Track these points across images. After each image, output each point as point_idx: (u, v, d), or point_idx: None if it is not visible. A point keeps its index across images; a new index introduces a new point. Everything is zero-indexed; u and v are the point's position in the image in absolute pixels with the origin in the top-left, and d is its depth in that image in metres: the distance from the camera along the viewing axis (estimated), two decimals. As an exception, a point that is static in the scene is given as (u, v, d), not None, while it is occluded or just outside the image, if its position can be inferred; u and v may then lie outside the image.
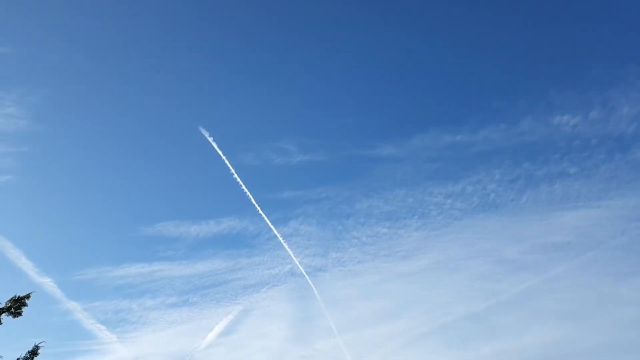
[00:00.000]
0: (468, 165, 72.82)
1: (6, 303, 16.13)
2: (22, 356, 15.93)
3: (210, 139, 57.67)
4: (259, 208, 60.30)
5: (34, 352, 16.07)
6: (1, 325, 15.87)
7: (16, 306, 16.15)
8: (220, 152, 57.73)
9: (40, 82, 74.88)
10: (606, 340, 57.04)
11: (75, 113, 78.53)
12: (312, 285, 59.49)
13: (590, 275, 63.43)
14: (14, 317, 16.11)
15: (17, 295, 16.34)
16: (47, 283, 52.69)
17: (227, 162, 58.42)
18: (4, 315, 15.96)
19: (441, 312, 63.05)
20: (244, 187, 57.74)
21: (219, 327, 58.37)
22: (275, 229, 63.63)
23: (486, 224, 68.13)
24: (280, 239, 62.29)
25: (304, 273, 60.72)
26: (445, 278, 66.06)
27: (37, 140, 73.33)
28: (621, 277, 61.24)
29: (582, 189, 67.07)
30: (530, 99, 77.22)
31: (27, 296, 16.44)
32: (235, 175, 57.87)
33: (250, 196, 58.65)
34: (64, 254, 73.20)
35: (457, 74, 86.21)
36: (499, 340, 59.75)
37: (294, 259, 61.81)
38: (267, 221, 62.85)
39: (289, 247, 62.22)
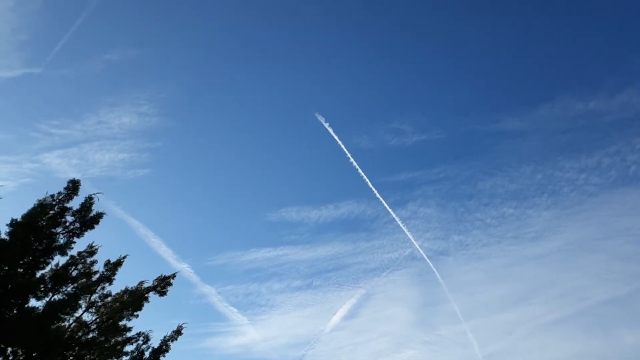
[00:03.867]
0: (604, 135, 63.09)
1: (153, 282, 16.31)
2: (168, 335, 16.15)
3: (326, 125, 55.19)
4: (375, 191, 57.61)
5: (178, 331, 16.23)
6: (148, 303, 16.11)
7: (162, 285, 16.28)
8: (336, 137, 55.36)
9: (168, 80, 79.06)
10: None
11: (201, 107, 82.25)
12: (434, 270, 56.35)
13: None
14: (160, 295, 16.29)
15: (163, 275, 16.47)
16: (185, 268, 56.80)
17: (342, 146, 56.14)
18: (151, 293, 16.17)
19: (576, 296, 57.18)
20: (360, 170, 55.12)
21: (342, 311, 57.72)
22: (393, 212, 60.90)
23: (626, 200, 59.68)
24: (399, 222, 59.40)
25: (425, 257, 57.74)
26: (580, 260, 59.88)
27: (169, 135, 77.37)
28: None
29: None
30: (679, 55, 62.92)
31: (173, 276, 16.51)
32: (352, 160, 55.51)
33: (367, 179, 55.98)
34: (198, 241, 78.41)
35: (587, 29, 72.49)
36: (647, 327, 52.91)
37: (414, 242, 58.92)
38: (385, 204, 59.78)
39: (408, 231, 59.37)
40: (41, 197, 15.44)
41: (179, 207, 79.13)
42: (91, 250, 16.21)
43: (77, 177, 15.45)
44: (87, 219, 15.40)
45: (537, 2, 74.08)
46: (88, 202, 15.43)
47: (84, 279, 15.96)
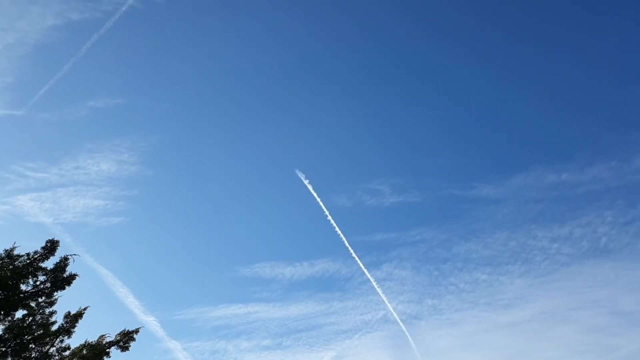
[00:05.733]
0: (575, 207, 66.16)
1: (116, 336, 16.05)
2: (123, 386, 16.31)
3: (306, 182, 55.18)
4: (352, 250, 58.22)
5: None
6: (110, 359, 15.97)
7: (125, 340, 16.12)
8: (315, 194, 55.13)
9: (150, 130, 76.32)
10: None
11: (180, 158, 78.67)
12: (407, 334, 56.47)
13: None
14: (122, 351, 16.14)
15: (127, 330, 16.24)
16: (151, 321, 52.29)
17: (321, 204, 55.66)
18: (113, 348, 15.99)
19: None
20: (337, 229, 55.30)
21: None
22: (369, 272, 60.65)
23: (597, 271, 61.66)
24: (374, 283, 59.61)
25: (399, 320, 57.69)
26: (552, 330, 60.01)
27: (147, 184, 73.93)
28: None
29: None
30: (644, 132, 69.42)
31: (136, 331, 16.35)
32: (329, 217, 55.34)
33: (344, 238, 56.01)
34: (167, 292, 74.46)
35: (561, 109, 77.06)
36: (616, 401, 56.30)
37: (388, 305, 58.83)
38: (361, 264, 60.07)
39: (382, 293, 59.35)
40: (9, 247, 14.24)
41: (151, 257, 75.83)
42: (51, 301, 15.34)
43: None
44: (60, 279, 14.53)
45: (514, 78, 78.21)
46: (63, 263, 14.57)
47: (42, 331, 15.17)
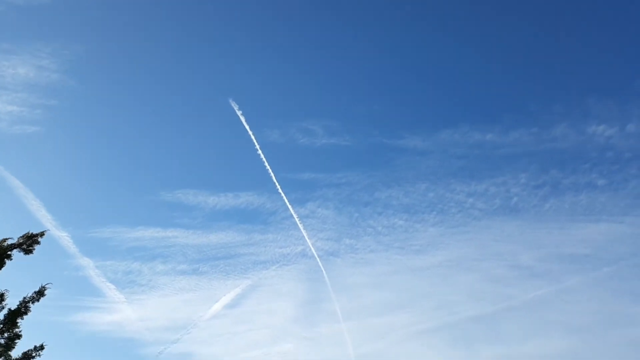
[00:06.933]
0: (494, 166, 71.96)
1: (18, 239, 15.50)
2: (28, 295, 15.39)
3: (239, 113, 56.61)
4: (278, 186, 59.68)
5: (40, 292, 15.57)
6: (11, 261, 15.22)
7: (28, 243, 15.54)
8: (247, 127, 56.96)
9: (76, 38, 74.18)
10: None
11: (108, 72, 77.91)
12: (323, 269, 59.24)
13: (604, 291, 62.87)
14: (26, 253, 15.52)
15: (31, 233, 15.72)
16: (63, 237, 51.36)
17: (253, 137, 57.64)
18: (15, 251, 15.31)
19: (448, 310, 63.06)
20: (266, 163, 57.31)
21: (225, 299, 58.44)
22: (293, 208, 63.28)
23: (504, 227, 67.49)
24: (297, 219, 61.74)
25: (316, 256, 60.31)
26: (456, 277, 65.83)
27: (68, 95, 72.16)
28: (636, 296, 60.26)
29: (607, 202, 66.25)
30: (567, 105, 75.52)
31: (41, 234, 15.86)
32: (260, 152, 57.43)
33: (272, 173, 57.92)
34: (82, 209, 72.85)
35: (494, 73, 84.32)
36: (503, 345, 60.06)
37: (308, 240, 61.41)
38: (285, 200, 62.33)
39: (303, 229, 61.82)
40: None
41: (68, 172, 73.73)
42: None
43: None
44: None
45: (453, 40, 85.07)
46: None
47: None
